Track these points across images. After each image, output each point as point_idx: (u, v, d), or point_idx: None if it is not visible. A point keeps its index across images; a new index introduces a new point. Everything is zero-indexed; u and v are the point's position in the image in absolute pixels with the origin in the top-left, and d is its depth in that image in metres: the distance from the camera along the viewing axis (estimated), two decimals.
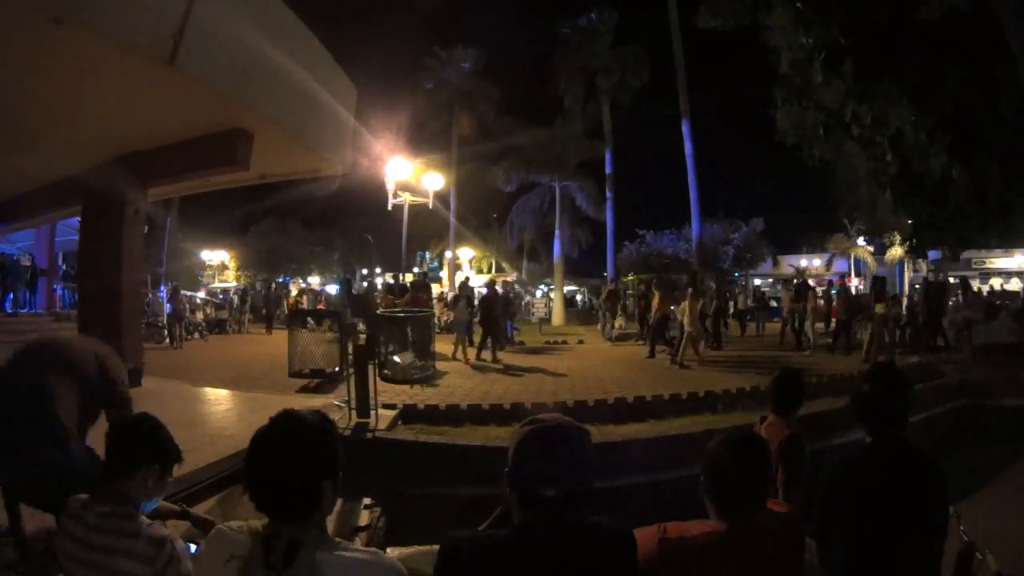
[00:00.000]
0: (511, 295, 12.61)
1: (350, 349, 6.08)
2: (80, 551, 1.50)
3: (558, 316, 23.16)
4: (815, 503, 1.79)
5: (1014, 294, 17.71)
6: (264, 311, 17.74)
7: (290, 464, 1.10)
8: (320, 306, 17.68)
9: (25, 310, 13.23)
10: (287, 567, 1.07)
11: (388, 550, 2.11)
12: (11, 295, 12.72)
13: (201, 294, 16.40)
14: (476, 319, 11.31)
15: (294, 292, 23.06)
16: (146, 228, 8.09)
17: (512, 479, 1.17)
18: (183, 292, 15.67)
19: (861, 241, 26.60)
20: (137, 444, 1.63)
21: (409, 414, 6.34)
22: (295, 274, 31.43)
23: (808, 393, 2.71)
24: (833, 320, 12.42)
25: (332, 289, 28.27)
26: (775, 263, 29.33)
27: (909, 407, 1.83)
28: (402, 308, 9.40)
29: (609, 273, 21.57)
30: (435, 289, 19.48)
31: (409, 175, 14.43)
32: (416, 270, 29.01)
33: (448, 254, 28.05)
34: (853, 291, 17.97)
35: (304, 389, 7.45)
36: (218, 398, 6.98)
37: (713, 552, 1.33)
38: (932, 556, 1.70)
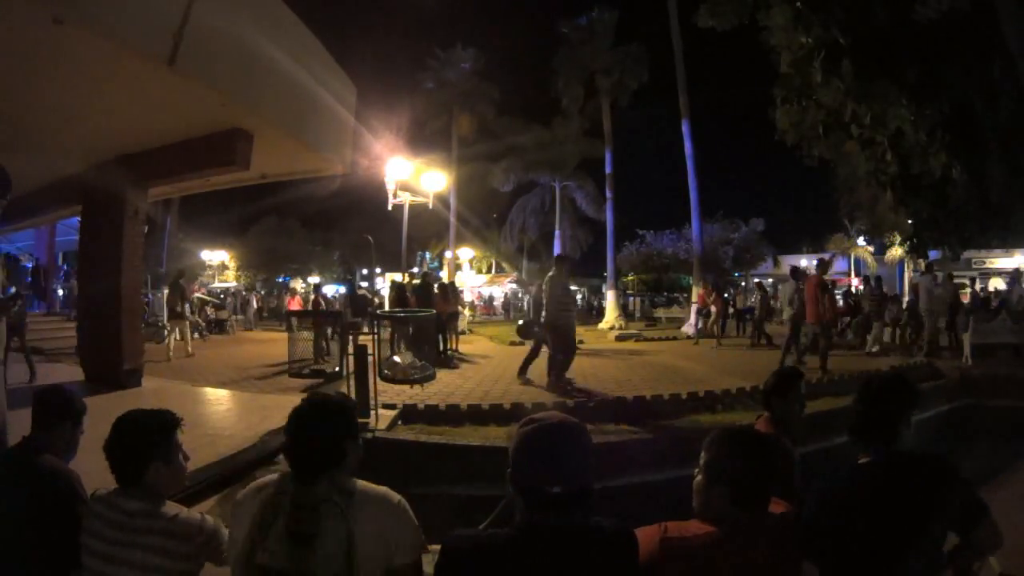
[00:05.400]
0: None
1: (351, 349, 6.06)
2: (109, 548, 1.51)
3: None
4: (803, 520, 1.67)
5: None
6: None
7: (321, 427, 1.38)
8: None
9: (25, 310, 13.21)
10: (315, 483, 1.31)
11: None
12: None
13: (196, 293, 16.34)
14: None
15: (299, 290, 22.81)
16: (146, 228, 8.07)
17: (517, 479, 1.16)
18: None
19: (861, 241, 26.61)
20: (132, 454, 1.61)
21: (409, 414, 6.34)
22: (295, 274, 31.41)
23: (807, 393, 2.69)
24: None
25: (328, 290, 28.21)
26: (775, 263, 29.35)
27: (897, 420, 1.70)
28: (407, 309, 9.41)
29: (609, 272, 21.51)
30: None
31: (409, 175, 14.41)
32: (416, 270, 29.01)
33: (448, 254, 28.03)
34: (852, 291, 18.00)
35: (307, 390, 7.44)
36: (218, 398, 6.98)
37: (715, 552, 1.32)
38: (933, 566, 1.66)
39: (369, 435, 5.38)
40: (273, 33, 5.47)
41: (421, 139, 23.73)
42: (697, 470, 1.47)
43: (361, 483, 1.37)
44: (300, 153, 7.08)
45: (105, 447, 1.62)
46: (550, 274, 7.74)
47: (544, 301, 7.54)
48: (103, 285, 6.93)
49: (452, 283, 15.47)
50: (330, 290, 28.68)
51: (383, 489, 1.39)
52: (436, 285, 12.74)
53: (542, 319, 7.65)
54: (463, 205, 25.67)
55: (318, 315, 10.48)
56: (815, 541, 1.63)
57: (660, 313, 23.19)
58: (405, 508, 1.38)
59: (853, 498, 1.64)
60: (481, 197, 26.44)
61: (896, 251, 21.04)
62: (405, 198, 13.75)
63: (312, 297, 14.86)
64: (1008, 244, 20.65)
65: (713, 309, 13.85)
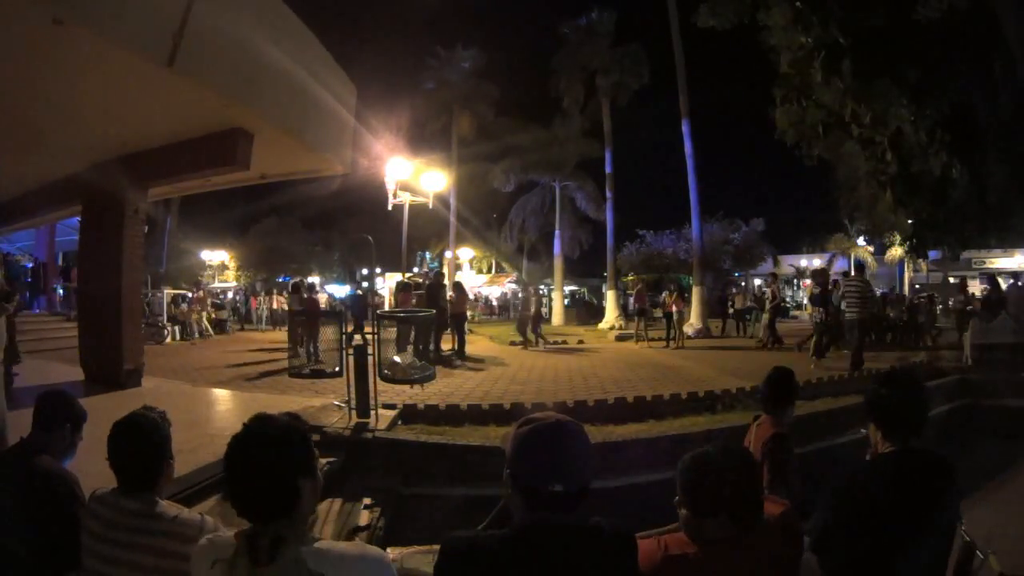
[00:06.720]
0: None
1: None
2: (110, 549, 1.51)
3: (558, 316, 23.15)
4: (816, 517, 1.75)
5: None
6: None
7: (264, 464, 1.12)
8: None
9: (25, 310, 13.21)
10: (272, 562, 1.07)
11: (388, 550, 2.11)
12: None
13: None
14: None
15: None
16: (146, 228, 8.07)
17: (518, 478, 1.16)
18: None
19: (861, 241, 26.59)
20: (148, 462, 1.62)
21: (409, 414, 6.34)
22: (295, 274, 31.38)
23: (807, 393, 2.71)
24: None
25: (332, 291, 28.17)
26: (775, 263, 29.32)
27: (928, 411, 1.80)
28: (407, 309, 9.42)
29: (609, 272, 21.49)
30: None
31: (409, 175, 14.41)
32: (416, 270, 29.00)
33: (448, 254, 28.03)
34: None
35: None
36: (218, 398, 6.98)
37: (717, 565, 1.33)
38: (940, 565, 1.67)
39: (369, 435, 5.38)
40: (273, 33, 5.47)
41: (421, 139, 23.72)
42: (677, 502, 1.42)
43: (333, 548, 1.13)
44: (300, 153, 7.07)
45: (114, 457, 1.61)
46: (860, 277, 9.06)
47: (856, 300, 8.65)
48: (103, 285, 6.93)
49: (459, 283, 15.47)
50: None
51: (358, 551, 1.16)
52: (452, 284, 12.74)
53: (851, 315, 8.81)
54: (463, 205, 25.63)
55: (315, 315, 10.48)
56: (828, 537, 1.64)
57: (660, 313, 23.15)
58: (386, 567, 1.15)
59: (872, 489, 1.66)
60: (481, 197, 26.39)
61: (896, 251, 21.03)
62: (405, 198, 13.75)
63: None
64: (1008, 244, 20.65)
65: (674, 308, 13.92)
